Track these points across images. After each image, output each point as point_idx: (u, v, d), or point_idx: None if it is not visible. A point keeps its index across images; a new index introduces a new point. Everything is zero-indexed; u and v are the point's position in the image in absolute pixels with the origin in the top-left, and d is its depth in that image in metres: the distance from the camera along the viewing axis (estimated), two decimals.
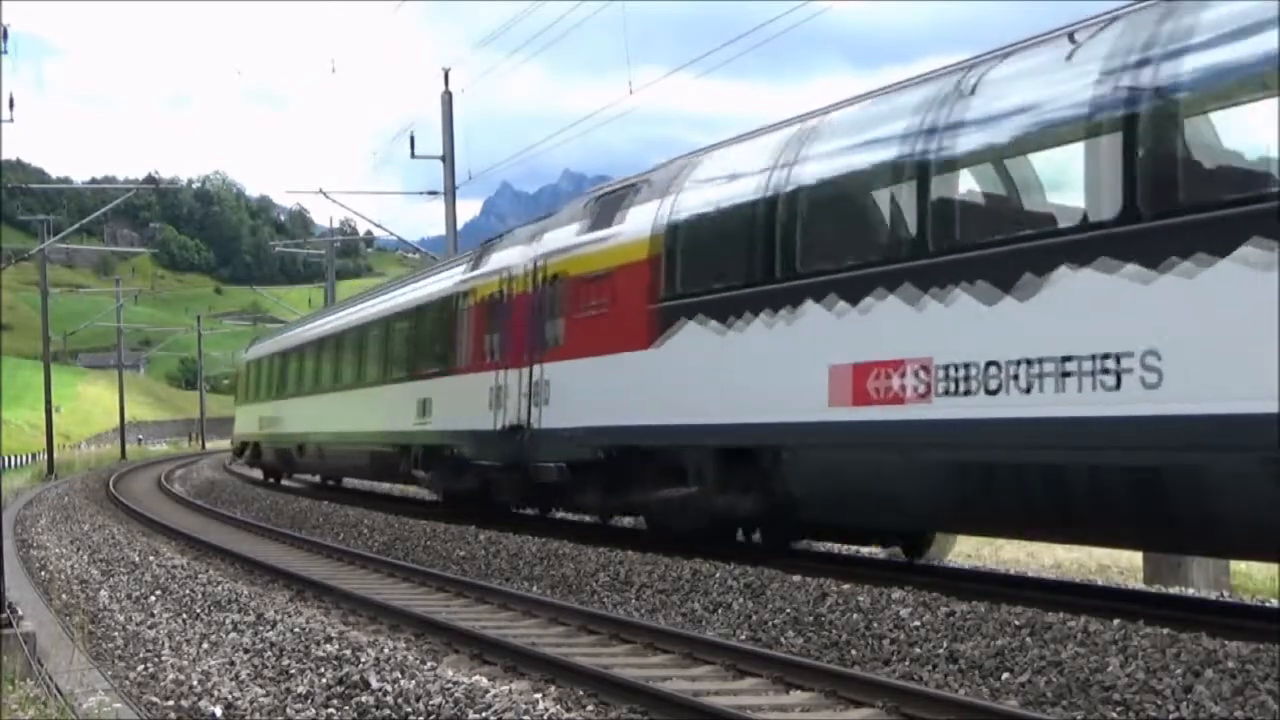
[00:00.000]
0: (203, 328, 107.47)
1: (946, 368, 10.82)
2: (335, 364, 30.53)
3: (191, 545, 20.28)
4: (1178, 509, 9.43)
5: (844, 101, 13.78)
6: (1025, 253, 10.30)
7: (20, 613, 9.77)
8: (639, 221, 15.85)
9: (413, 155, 36.16)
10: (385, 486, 32.96)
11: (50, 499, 33.32)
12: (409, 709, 7.81)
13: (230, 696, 8.52)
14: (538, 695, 8.14)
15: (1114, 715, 7.74)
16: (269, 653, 9.96)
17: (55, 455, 55.91)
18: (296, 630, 10.78)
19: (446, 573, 15.34)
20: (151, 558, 17.41)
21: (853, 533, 15.24)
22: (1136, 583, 14.48)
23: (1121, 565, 16.25)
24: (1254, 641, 8.48)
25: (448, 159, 36.02)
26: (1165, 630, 8.93)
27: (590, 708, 8.27)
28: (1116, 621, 9.24)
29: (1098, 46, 10.14)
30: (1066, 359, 9.81)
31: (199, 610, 12.51)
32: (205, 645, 10.55)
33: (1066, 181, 10.77)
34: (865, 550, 16.41)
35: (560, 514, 21.49)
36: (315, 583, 14.61)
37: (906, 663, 9.34)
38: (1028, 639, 9.18)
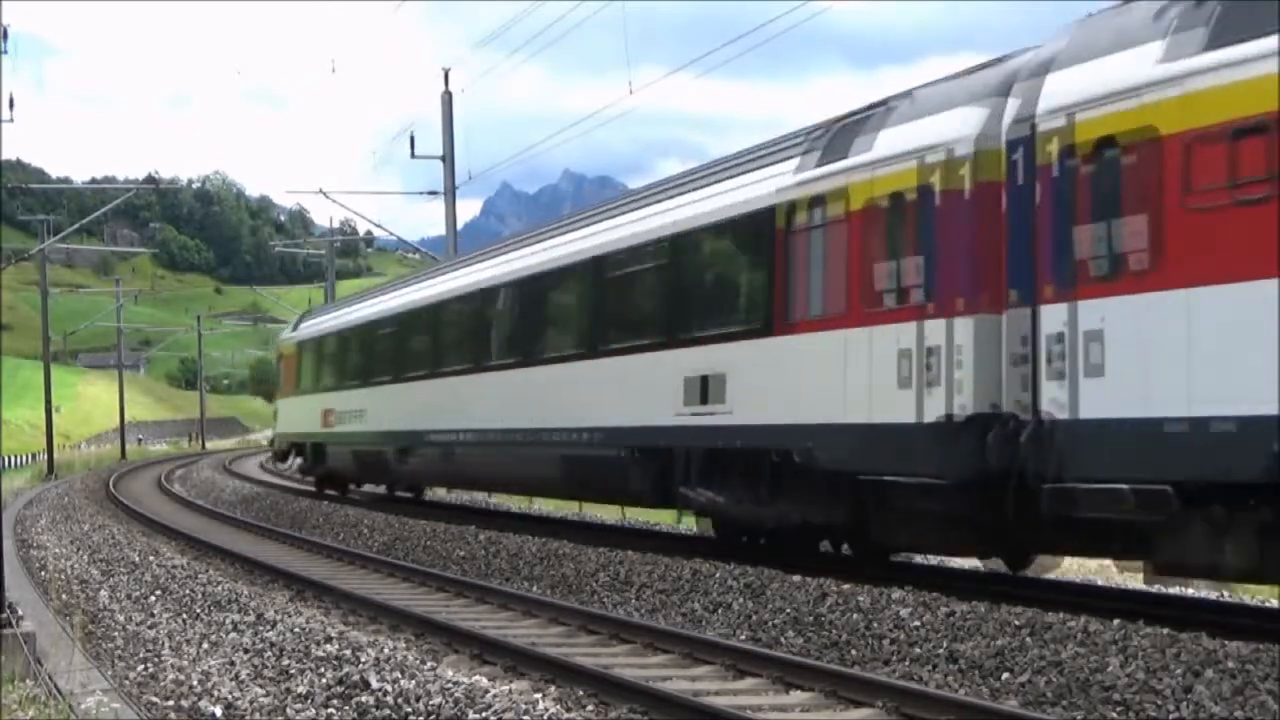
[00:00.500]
0: (203, 328, 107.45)
1: None
2: (483, 335, 21.65)
3: (191, 545, 20.28)
4: None
5: None
6: None
7: (20, 613, 9.78)
8: None
9: (413, 155, 36.16)
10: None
11: (50, 499, 33.31)
12: (409, 709, 7.81)
13: (230, 696, 8.51)
14: (538, 695, 8.14)
15: (1114, 715, 7.74)
16: (269, 653, 9.96)
17: (55, 455, 55.88)
18: (296, 630, 10.78)
19: (446, 573, 15.34)
20: (151, 558, 17.41)
21: None
22: (1136, 583, 14.47)
23: (1121, 565, 16.22)
24: (1254, 641, 8.48)
25: (448, 159, 36.00)
26: (1165, 630, 8.93)
27: (590, 708, 8.27)
28: (1116, 621, 9.24)
29: None
30: None
31: (199, 610, 12.51)
32: (205, 645, 10.55)
33: None
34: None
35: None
36: (315, 583, 14.60)
37: (906, 663, 9.34)
38: (1028, 639, 9.19)
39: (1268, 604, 12.56)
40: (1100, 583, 14.58)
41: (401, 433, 24.54)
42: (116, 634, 11.48)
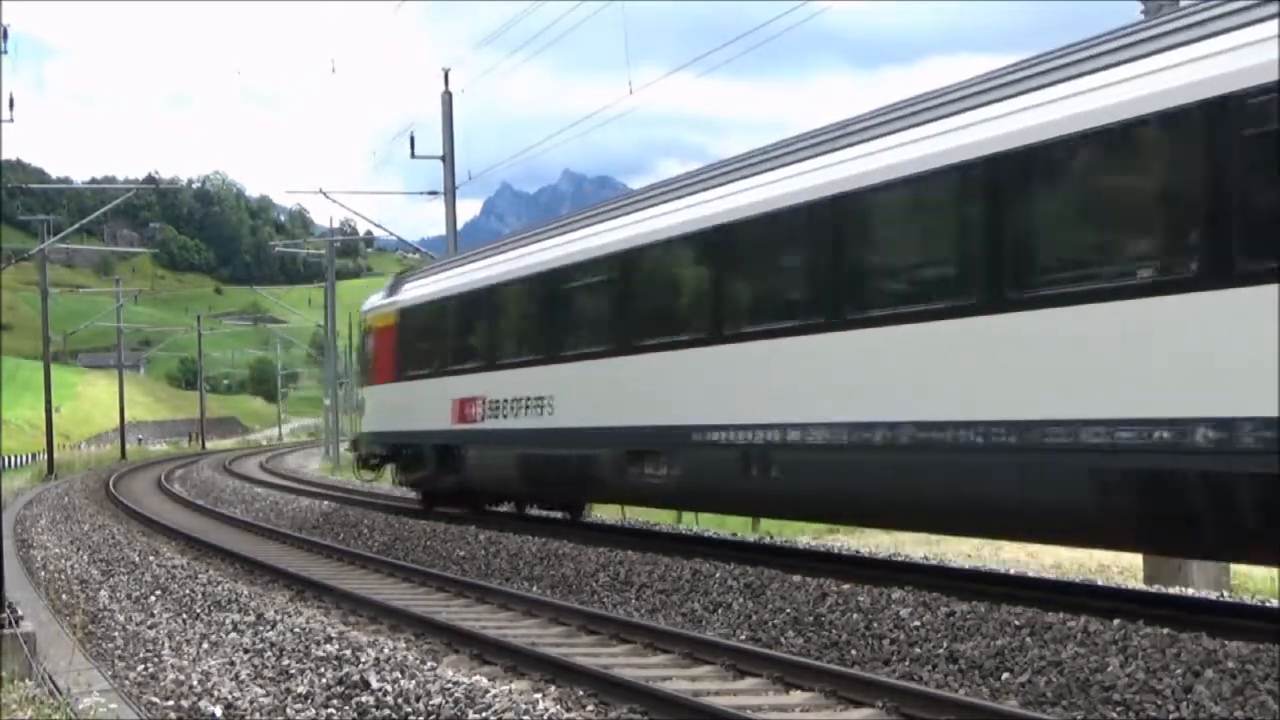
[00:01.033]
0: (203, 328, 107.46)
1: None
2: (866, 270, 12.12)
3: (191, 545, 20.28)
4: None
5: None
6: None
7: (20, 613, 9.77)
8: None
9: (413, 155, 36.17)
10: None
11: (50, 499, 33.31)
12: (409, 709, 7.81)
13: (230, 696, 8.52)
14: (538, 695, 8.14)
15: (1114, 715, 7.74)
16: (269, 653, 9.96)
17: (55, 455, 55.90)
18: (296, 630, 10.78)
19: (446, 573, 15.34)
20: (151, 558, 17.41)
21: None
22: (1136, 583, 14.47)
23: (1122, 565, 16.23)
24: (1254, 641, 8.48)
25: (448, 159, 36.01)
26: (1165, 630, 8.93)
27: (590, 708, 8.28)
28: (1116, 621, 9.24)
29: None
30: None
31: (199, 610, 12.51)
32: (205, 645, 10.55)
33: None
34: (865, 550, 16.42)
35: None
36: (315, 583, 14.60)
37: (906, 663, 9.35)
38: (1028, 639, 9.19)
39: (1268, 604, 12.55)
40: (1100, 583, 14.58)
41: (640, 430, 15.29)
42: (116, 634, 11.48)
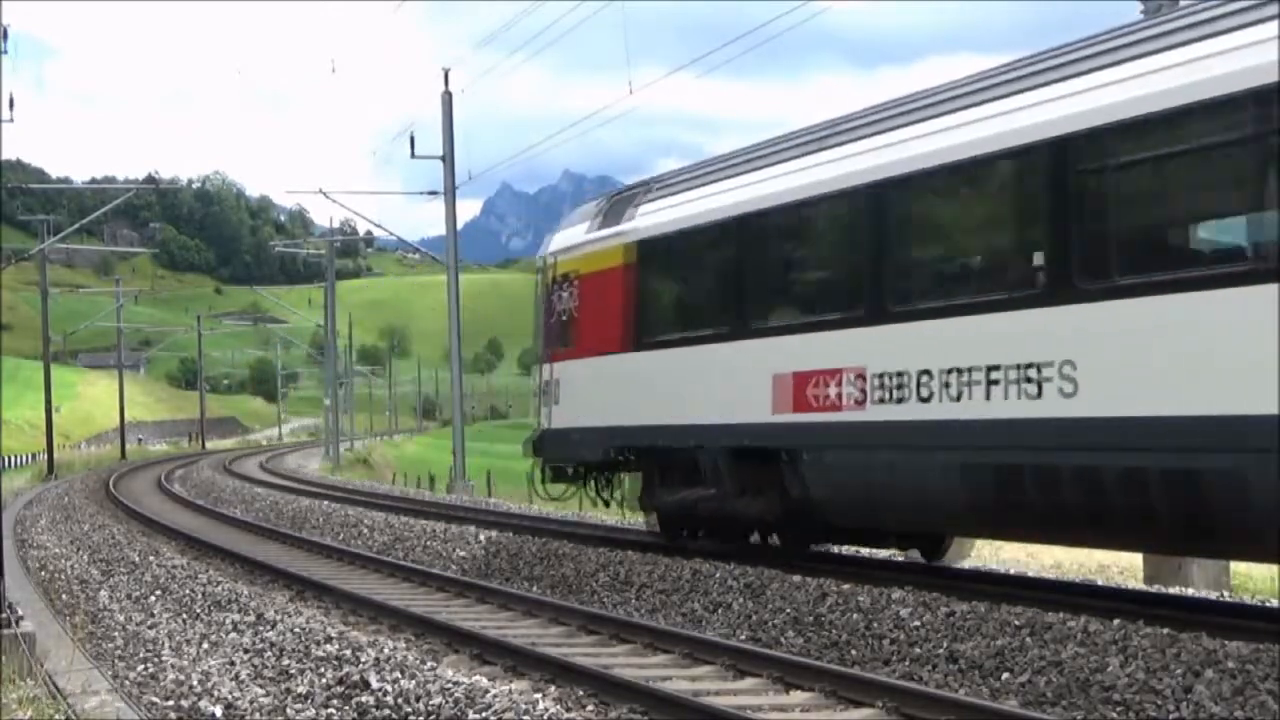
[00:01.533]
0: (203, 328, 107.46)
1: None
2: None
3: (191, 545, 20.27)
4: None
5: None
6: None
7: (20, 613, 9.77)
8: None
9: (413, 155, 36.24)
10: None
11: (50, 499, 33.30)
12: (409, 709, 7.81)
13: (230, 696, 8.51)
14: (538, 695, 8.14)
15: (1114, 715, 7.74)
16: (269, 653, 9.96)
17: (55, 455, 55.90)
18: (296, 630, 10.78)
19: (446, 573, 15.34)
20: (151, 558, 17.40)
21: None
22: (1136, 583, 14.47)
23: (1122, 565, 16.23)
24: (1254, 641, 8.47)
25: (448, 159, 36.04)
26: (1165, 630, 8.92)
27: (590, 708, 8.28)
28: (1116, 621, 9.24)
29: None
30: None
31: (199, 610, 12.51)
32: (205, 645, 10.55)
33: None
34: (865, 550, 16.40)
35: None
36: (315, 583, 14.60)
37: (906, 663, 9.35)
38: (1028, 639, 9.18)
39: (1268, 604, 12.55)
40: (1100, 583, 14.58)
41: None
42: (116, 634, 11.48)
